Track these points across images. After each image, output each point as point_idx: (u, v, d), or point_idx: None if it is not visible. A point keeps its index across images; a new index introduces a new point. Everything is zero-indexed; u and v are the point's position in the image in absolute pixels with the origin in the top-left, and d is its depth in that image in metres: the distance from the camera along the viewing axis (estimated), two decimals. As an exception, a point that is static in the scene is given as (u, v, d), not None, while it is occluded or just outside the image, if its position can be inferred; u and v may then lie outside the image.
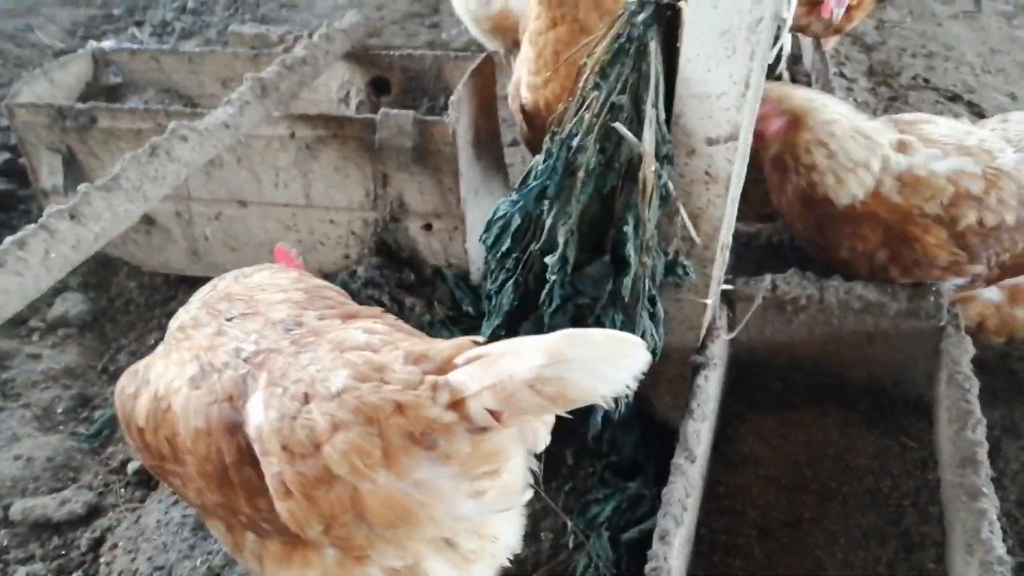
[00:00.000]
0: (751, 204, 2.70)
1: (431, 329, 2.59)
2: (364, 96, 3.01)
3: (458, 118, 2.48)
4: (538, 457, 2.25)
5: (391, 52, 2.98)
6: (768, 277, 2.31)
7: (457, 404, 1.21)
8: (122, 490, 2.33)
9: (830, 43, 3.87)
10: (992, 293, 2.35)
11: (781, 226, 2.68)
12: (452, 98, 2.49)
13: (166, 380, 1.45)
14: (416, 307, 2.63)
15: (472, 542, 1.36)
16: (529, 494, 1.42)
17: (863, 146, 2.18)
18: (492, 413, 1.19)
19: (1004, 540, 2.16)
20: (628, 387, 1.20)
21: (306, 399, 1.28)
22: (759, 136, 2.24)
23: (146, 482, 2.33)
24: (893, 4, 5.32)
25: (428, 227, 2.69)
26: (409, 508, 1.24)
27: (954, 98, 4.26)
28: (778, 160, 2.29)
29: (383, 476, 1.22)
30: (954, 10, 5.24)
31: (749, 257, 2.65)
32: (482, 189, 2.75)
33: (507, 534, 1.45)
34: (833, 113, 2.21)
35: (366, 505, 1.24)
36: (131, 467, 2.36)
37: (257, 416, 1.33)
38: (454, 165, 2.52)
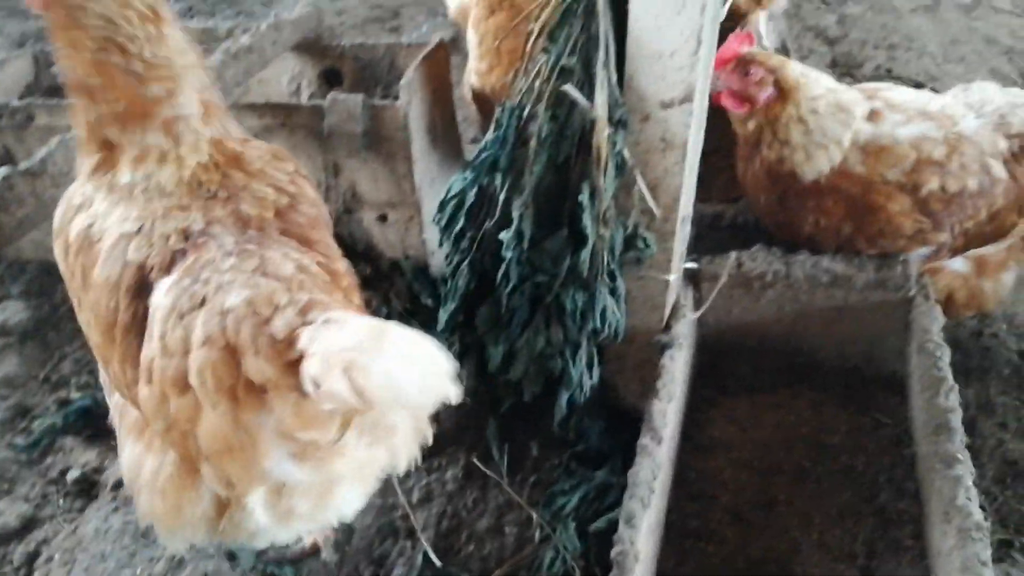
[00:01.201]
0: (717, 189, 2.65)
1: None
2: (316, 87, 2.92)
3: (409, 102, 2.39)
4: (501, 450, 2.20)
5: (343, 42, 2.90)
6: (733, 254, 2.24)
7: (293, 364, 1.15)
8: (60, 500, 2.19)
9: (760, 22, 3.76)
10: (959, 264, 2.29)
11: (745, 206, 2.62)
12: (402, 82, 2.41)
13: (107, 219, 1.43)
14: (372, 302, 2.52)
15: (303, 503, 1.35)
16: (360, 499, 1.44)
17: (840, 122, 2.13)
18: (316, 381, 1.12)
19: (983, 518, 2.11)
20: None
21: (201, 303, 1.25)
22: (749, 103, 2.19)
23: (86, 491, 2.20)
24: (854, -1, 5.36)
25: (383, 218, 2.59)
26: (231, 446, 1.22)
27: (917, 87, 4.25)
28: (753, 133, 2.23)
29: (222, 407, 1.20)
30: (914, 4, 5.27)
31: (714, 238, 2.58)
32: (439, 178, 2.66)
33: (344, 503, 1.43)
34: (820, 88, 2.16)
35: (200, 427, 1.23)
36: (70, 476, 2.23)
37: (158, 296, 1.32)
38: (408, 151, 2.43)
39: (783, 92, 2.16)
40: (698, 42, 1.69)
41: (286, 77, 2.93)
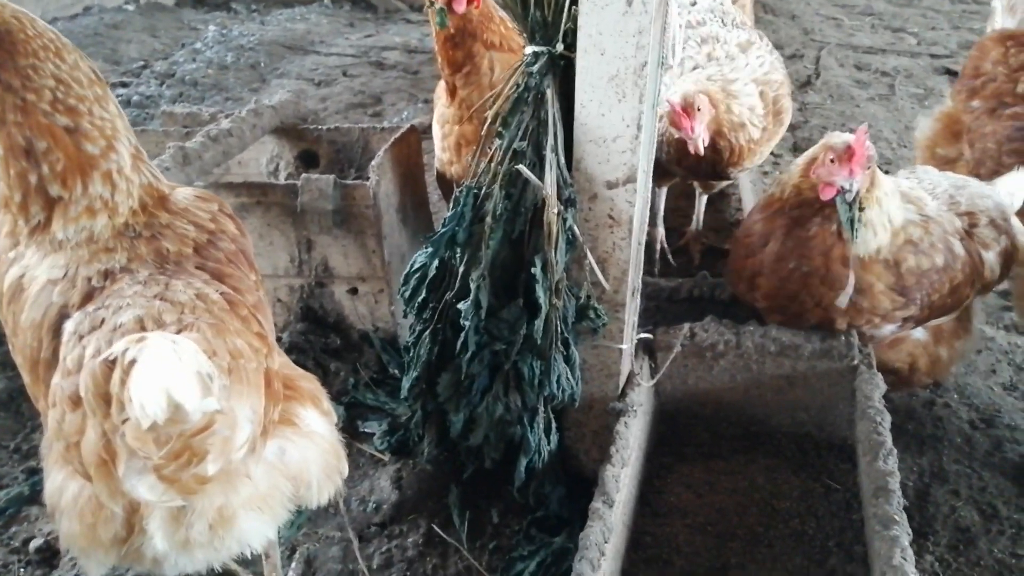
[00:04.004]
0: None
1: (355, 391, 2.55)
2: (293, 169, 3.06)
3: (379, 181, 2.53)
4: (463, 516, 2.24)
5: (319, 127, 3.06)
6: (686, 325, 2.34)
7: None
8: (22, 570, 2.20)
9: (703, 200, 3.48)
10: (919, 333, 2.41)
11: (701, 279, 2.74)
12: (373, 162, 2.55)
13: (38, 268, 1.50)
14: (341, 372, 2.59)
15: (201, 531, 1.38)
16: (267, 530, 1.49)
17: (899, 206, 2.25)
18: None
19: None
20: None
21: (100, 324, 1.33)
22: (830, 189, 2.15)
23: (48, 560, 2.21)
24: (814, 88, 5.64)
25: (354, 291, 2.69)
26: (97, 461, 1.26)
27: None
28: (812, 206, 2.22)
29: (95, 421, 1.25)
30: (871, 93, 5.56)
31: (671, 311, 2.68)
32: (409, 253, 2.77)
33: (248, 534, 1.46)
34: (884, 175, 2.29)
35: (83, 441, 1.28)
36: (33, 545, 2.24)
37: (68, 325, 1.40)
38: (377, 227, 2.55)
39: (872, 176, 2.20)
40: (638, 128, 1.83)
41: (265, 158, 3.07)
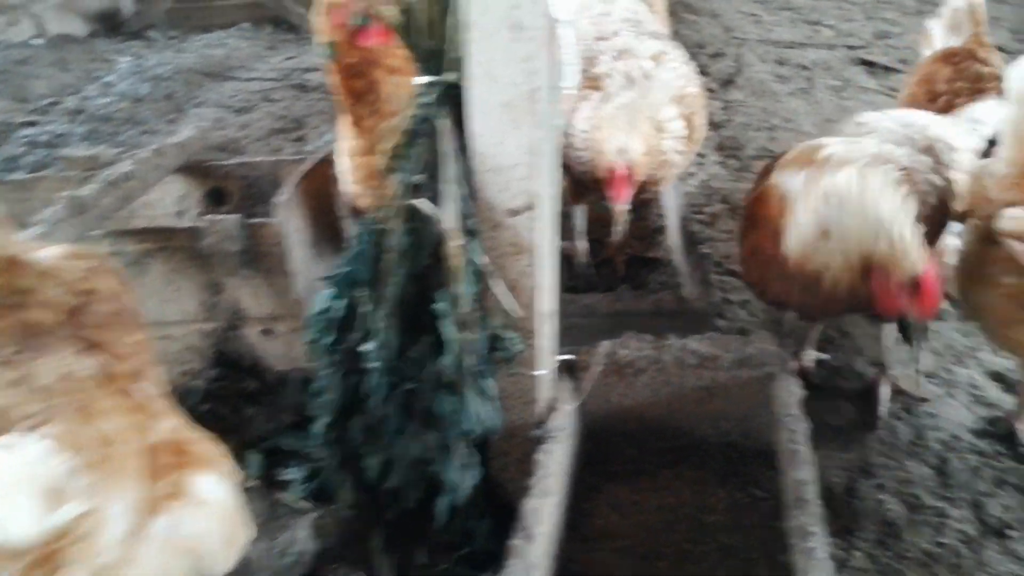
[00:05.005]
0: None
1: (274, 436, 2.48)
2: (203, 208, 2.97)
3: (286, 218, 2.46)
4: (389, 560, 2.18)
5: (227, 162, 2.97)
6: (605, 343, 2.33)
7: None
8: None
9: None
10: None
11: (621, 293, 2.74)
12: (277, 198, 2.48)
13: None
14: (258, 417, 2.52)
15: None
16: None
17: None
18: None
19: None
20: None
21: None
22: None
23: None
24: (737, 86, 5.72)
25: (268, 332, 2.62)
26: None
27: (794, 165, 4.55)
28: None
29: None
30: (791, 88, 5.65)
31: (595, 327, 2.66)
32: (326, 288, 2.71)
33: None
34: None
35: None
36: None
37: None
38: (287, 265, 2.48)
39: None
40: (535, 154, 1.81)
41: (170, 199, 2.98)
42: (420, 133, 1.86)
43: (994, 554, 2.21)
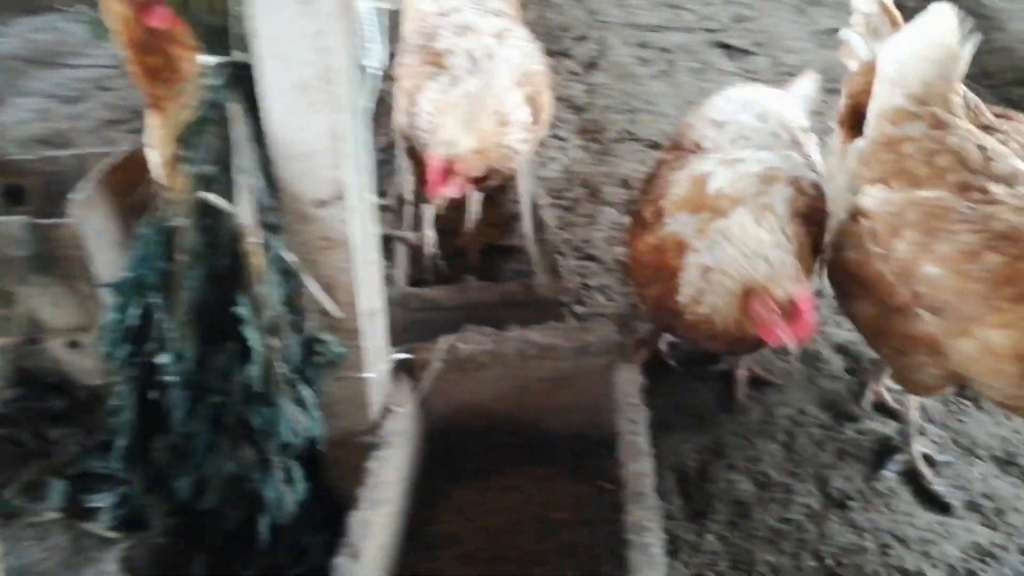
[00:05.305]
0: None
1: (82, 459, 2.23)
2: (-2, 208, 2.65)
3: (85, 217, 2.20)
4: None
5: (24, 156, 2.66)
6: (444, 339, 2.21)
7: None
8: None
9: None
10: None
11: (468, 285, 2.62)
12: (74, 195, 2.22)
13: None
14: (67, 439, 2.25)
15: None
16: None
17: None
18: None
19: (717, 561, 2.15)
20: None
21: None
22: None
23: None
24: (600, 69, 5.70)
25: (74, 344, 2.35)
26: None
27: (655, 146, 4.55)
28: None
29: None
30: (652, 70, 5.68)
31: (440, 322, 2.53)
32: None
33: None
34: None
35: None
36: None
37: None
38: (89, 271, 2.23)
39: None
40: (340, 140, 1.65)
41: (-39, 199, 2.65)
42: (209, 119, 1.67)
43: (836, 526, 2.24)
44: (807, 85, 2.83)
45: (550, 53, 5.78)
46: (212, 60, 1.65)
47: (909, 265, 1.91)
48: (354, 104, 1.68)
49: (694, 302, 2.09)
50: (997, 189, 1.85)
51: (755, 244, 1.98)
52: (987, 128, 2.08)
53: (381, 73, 1.92)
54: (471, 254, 3.18)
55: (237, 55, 1.63)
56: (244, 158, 1.65)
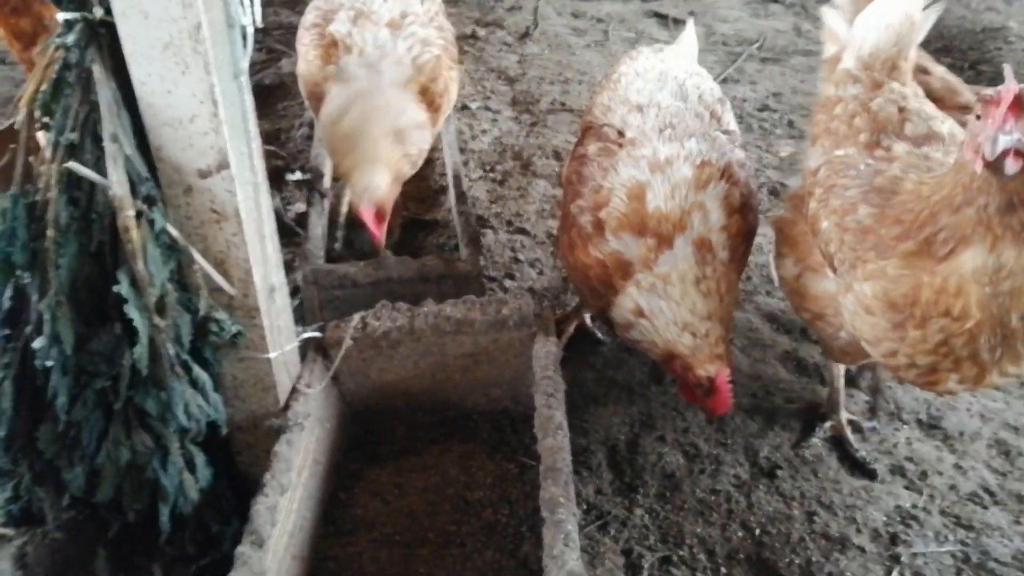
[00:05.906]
0: None
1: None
2: None
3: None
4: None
5: None
6: (356, 316, 2.11)
7: None
8: None
9: None
10: None
11: (384, 260, 2.52)
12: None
13: None
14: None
15: None
16: None
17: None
18: None
19: (647, 535, 2.10)
20: None
21: None
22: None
23: None
24: (533, 39, 5.59)
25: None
26: None
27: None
28: None
29: None
30: (586, 40, 5.60)
31: (356, 299, 2.43)
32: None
33: None
34: None
35: None
36: None
37: None
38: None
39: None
40: (215, 103, 1.53)
41: None
42: (66, 82, 1.54)
43: (763, 495, 2.21)
44: (692, 37, 2.79)
45: (483, 24, 5.70)
46: (67, 16, 1.51)
47: (815, 221, 1.87)
48: (234, 66, 1.56)
49: (626, 326, 2.07)
50: (899, 148, 1.81)
51: (687, 314, 1.96)
52: (963, 108, 2.07)
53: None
54: (393, 228, 3.06)
55: (96, 12, 1.50)
56: (110, 124, 1.52)
